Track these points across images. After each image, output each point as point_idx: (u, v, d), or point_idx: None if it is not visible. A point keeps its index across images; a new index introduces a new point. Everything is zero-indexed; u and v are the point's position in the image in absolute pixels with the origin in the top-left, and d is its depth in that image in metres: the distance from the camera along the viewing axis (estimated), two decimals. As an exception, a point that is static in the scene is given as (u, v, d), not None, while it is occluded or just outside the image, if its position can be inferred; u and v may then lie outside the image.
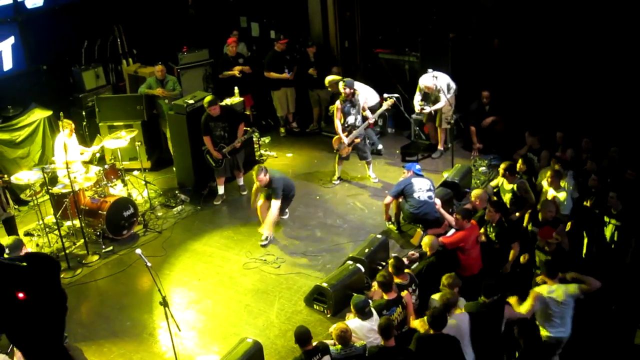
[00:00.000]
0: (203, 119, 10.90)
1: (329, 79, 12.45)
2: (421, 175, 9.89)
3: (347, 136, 11.30)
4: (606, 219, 8.70)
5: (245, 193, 11.48)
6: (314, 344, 6.83)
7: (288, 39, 13.53)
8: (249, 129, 11.57)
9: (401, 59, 13.55)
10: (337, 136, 11.42)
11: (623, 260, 8.53)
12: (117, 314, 8.79)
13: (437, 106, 11.88)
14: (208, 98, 10.86)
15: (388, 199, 9.91)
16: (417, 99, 12.03)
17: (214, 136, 10.93)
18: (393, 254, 9.41)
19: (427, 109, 11.82)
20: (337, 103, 11.30)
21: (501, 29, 13.11)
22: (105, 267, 9.83)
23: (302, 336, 6.79)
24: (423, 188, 9.54)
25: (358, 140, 11.32)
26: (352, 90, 11.18)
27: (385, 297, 7.54)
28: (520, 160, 10.25)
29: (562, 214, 9.14)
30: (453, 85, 11.92)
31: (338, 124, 11.31)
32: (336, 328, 6.97)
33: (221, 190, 11.41)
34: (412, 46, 13.36)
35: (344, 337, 6.90)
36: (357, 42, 14.56)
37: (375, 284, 7.94)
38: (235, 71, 13.07)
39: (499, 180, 10.12)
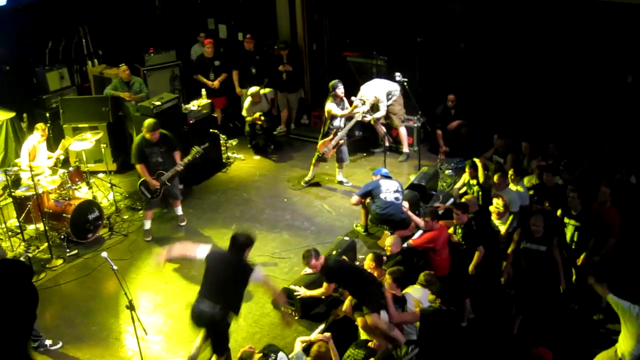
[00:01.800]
0: (137, 144, 9.92)
1: (252, 90, 12.49)
2: (389, 178, 9.94)
3: (331, 139, 11.25)
4: (566, 220, 8.84)
5: (184, 224, 10.69)
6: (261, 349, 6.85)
7: (254, 40, 13.50)
8: (195, 148, 10.30)
9: (369, 62, 13.60)
10: (324, 139, 11.30)
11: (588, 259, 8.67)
12: (83, 318, 8.68)
13: (377, 115, 11.88)
14: (148, 122, 9.87)
15: (355, 198, 9.94)
16: (363, 109, 11.70)
17: (149, 163, 10.00)
18: (360, 257, 9.48)
19: (368, 117, 11.74)
20: (330, 104, 11.18)
21: (468, 33, 13.25)
22: (70, 271, 9.69)
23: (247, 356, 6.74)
24: (390, 189, 9.59)
25: (342, 141, 11.31)
26: (341, 90, 11.21)
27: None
28: (492, 164, 10.47)
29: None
30: (394, 88, 12.00)
31: (342, 112, 11.21)
32: (313, 352, 6.83)
33: (148, 225, 10.37)
34: (379, 50, 13.43)
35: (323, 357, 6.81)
36: (325, 45, 14.59)
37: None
38: (211, 82, 12.97)
39: (465, 178, 10.28)
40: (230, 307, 7.09)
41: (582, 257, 8.63)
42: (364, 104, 11.46)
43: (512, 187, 9.57)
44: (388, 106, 11.99)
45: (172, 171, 10.08)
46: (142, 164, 9.93)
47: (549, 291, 8.31)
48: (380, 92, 11.80)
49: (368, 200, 9.80)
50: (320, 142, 11.36)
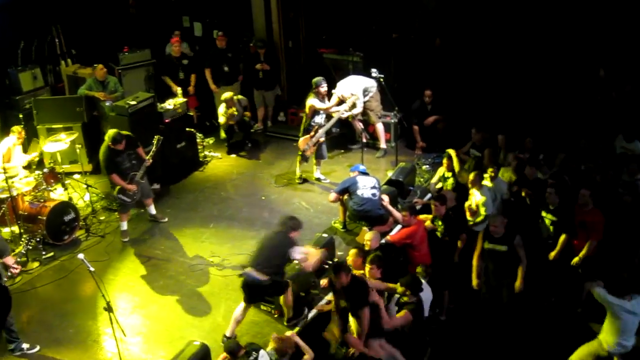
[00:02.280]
0: (106, 156, 9.76)
1: (225, 96, 12.47)
2: (367, 174, 9.95)
3: (312, 136, 11.20)
4: (543, 213, 8.91)
5: (165, 220, 10.69)
6: (243, 351, 6.86)
7: (227, 37, 13.44)
8: (156, 137, 10.17)
9: (345, 58, 13.61)
10: (305, 137, 11.23)
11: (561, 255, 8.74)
12: (60, 321, 8.58)
13: (354, 111, 11.88)
14: (111, 133, 9.69)
15: (332, 195, 9.94)
16: (339, 108, 11.76)
17: (122, 170, 9.86)
18: (339, 253, 9.49)
19: (345, 114, 11.76)
20: (312, 100, 11.12)
21: (443, 29, 13.30)
22: (47, 273, 9.57)
23: (231, 350, 6.82)
24: (368, 186, 9.60)
25: (323, 139, 11.29)
26: (324, 88, 11.18)
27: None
28: (470, 158, 10.53)
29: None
30: (371, 85, 11.99)
31: (328, 105, 11.21)
32: (282, 342, 7.06)
33: (125, 226, 10.28)
34: (355, 46, 13.44)
35: (286, 350, 6.98)
36: (301, 42, 14.58)
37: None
38: (178, 90, 12.80)
39: (441, 171, 10.34)
40: (275, 275, 7.80)
41: (554, 252, 8.71)
42: (343, 102, 11.48)
43: (489, 184, 9.61)
44: (365, 102, 12.00)
45: (143, 168, 10.00)
46: (114, 174, 9.81)
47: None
48: (356, 89, 11.81)
49: (346, 197, 9.80)
50: (301, 139, 11.31)
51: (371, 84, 11.97)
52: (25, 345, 7.97)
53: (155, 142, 10.12)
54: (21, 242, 9.44)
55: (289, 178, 11.84)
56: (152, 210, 10.65)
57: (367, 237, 8.56)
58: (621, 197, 9.02)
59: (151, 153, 10.06)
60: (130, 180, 9.92)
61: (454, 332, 8.65)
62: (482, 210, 9.23)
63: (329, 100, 11.52)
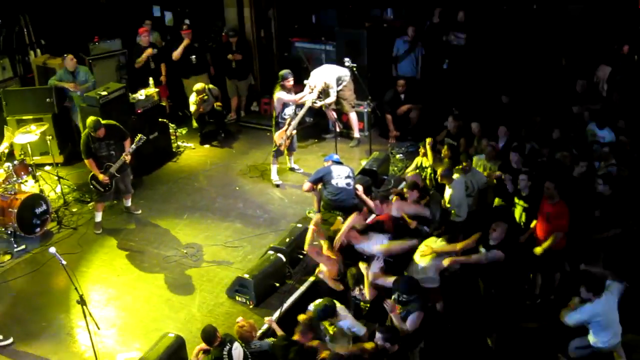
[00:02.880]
0: (84, 141, 9.76)
1: (197, 87, 12.44)
2: (341, 163, 9.96)
3: (286, 130, 11.08)
4: (516, 199, 9.00)
5: (138, 212, 10.64)
6: (219, 337, 6.83)
7: (191, 29, 13.36)
8: (138, 136, 10.07)
9: (318, 47, 13.59)
10: (279, 132, 11.04)
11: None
12: (32, 315, 8.51)
13: (327, 101, 11.86)
14: (91, 120, 9.67)
15: (306, 185, 9.91)
16: (313, 96, 11.68)
17: (98, 157, 9.85)
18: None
19: (318, 103, 11.74)
20: (279, 93, 10.96)
21: (415, 17, 13.33)
22: (18, 266, 9.48)
23: (208, 335, 6.77)
24: (342, 175, 9.60)
25: (295, 131, 11.25)
26: (291, 81, 11.04)
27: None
28: (445, 147, 10.54)
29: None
30: (344, 74, 11.95)
31: (294, 97, 11.08)
32: (249, 327, 7.08)
33: (99, 217, 10.21)
34: (328, 35, 13.42)
35: (244, 334, 7.01)
36: (273, 31, 14.52)
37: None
38: (148, 52, 12.80)
39: (418, 161, 10.36)
40: None
41: (524, 237, 8.78)
42: (311, 91, 11.45)
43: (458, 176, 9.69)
44: (338, 91, 11.98)
45: (119, 162, 9.91)
46: (89, 159, 9.78)
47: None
48: (330, 78, 11.79)
49: (320, 186, 9.80)
50: (276, 134, 11.12)
51: (345, 73, 11.96)
52: None
53: (136, 140, 10.00)
54: None
55: (263, 169, 11.79)
56: (128, 203, 10.59)
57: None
58: (597, 189, 9.02)
59: (130, 149, 9.95)
60: (104, 170, 9.84)
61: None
62: (447, 205, 9.27)
63: (298, 89, 11.46)
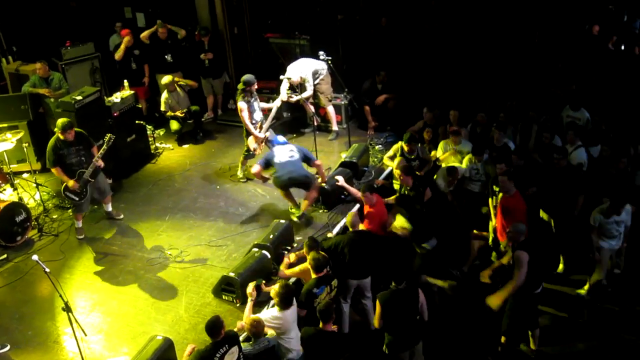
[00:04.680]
0: (51, 147, 9.50)
1: (164, 80, 12.45)
2: (285, 143, 10.07)
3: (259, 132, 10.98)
4: (495, 187, 9.08)
5: (121, 217, 10.44)
6: (223, 333, 6.81)
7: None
8: (108, 135, 9.79)
9: (292, 42, 13.59)
10: (251, 136, 10.86)
11: None
12: (17, 324, 8.43)
13: (304, 95, 11.86)
14: (62, 121, 9.46)
15: (256, 168, 9.96)
16: (284, 87, 11.87)
17: (66, 165, 9.61)
18: (297, 238, 9.52)
19: (295, 98, 11.76)
20: (242, 103, 10.73)
21: (388, 8, 13.36)
22: (1, 276, 9.37)
23: (212, 327, 6.74)
24: (284, 151, 9.74)
25: (269, 133, 11.16)
26: (256, 86, 10.88)
27: (314, 275, 7.64)
28: (426, 130, 10.62)
29: None
30: (321, 67, 11.97)
31: (250, 125, 10.77)
32: (248, 322, 7.03)
33: (80, 224, 10.09)
34: (301, 29, 13.41)
35: (257, 330, 6.96)
36: (246, 28, 14.49)
37: (303, 265, 8.02)
38: (125, 41, 12.77)
39: (397, 147, 10.41)
40: None
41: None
42: (293, 86, 11.54)
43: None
44: (315, 85, 11.99)
45: (92, 167, 9.71)
46: (57, 167, 9.57)
47: None
48: (306, 72, 11.79)
49: (270, 173, 9.91)
50: (250, 139, 10.93)
51: (321, 66, 11.96)
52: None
53: (106, 140, 9.79)
54: None
55: (245, 168, 11.75)
56: (109, 207, 10.47)
57: (348, 219, 8.53)
58: (556, 162, 9.17)
59: (101, 151, 9.72)
60: (77, 177, 9.67)
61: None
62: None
63: (267, 85, 11.44)
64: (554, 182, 9.10)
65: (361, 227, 8.58)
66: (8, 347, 7.91)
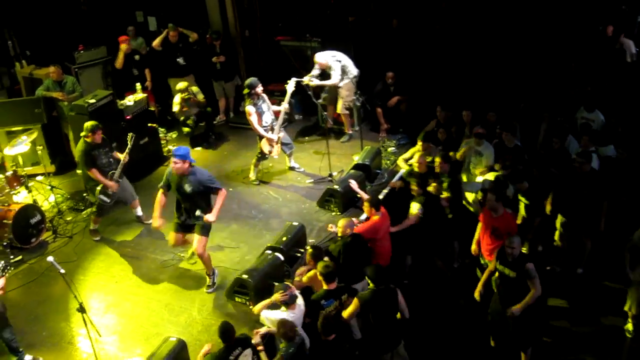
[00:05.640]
0: (83, 150, 9.60)
1: (179, 86, 12.46)
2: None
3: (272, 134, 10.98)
4: (519, 197, 9.02)
5: (149, 222, 9.93)
6: (236, 336, 6.82)
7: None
8: (130, 134, 10.01)
9: (303, 45, 13.59)
10: (263, 139, 10.88)
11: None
12: (32, 325, 8.49)
13: (327, 82, 11.91)
14: (89, 124, 9.59)
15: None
16: (312, 73, 11.97)
17: (98, 167, 9.72)
18: (310, 240, 9.52)
19: (315, 82, 11.80)
20: (249, 107, 10.73)
21: (399, 9, 13.35)
22: (16, 277, 9.43)
23: (224, 333, 6.78)
24: None
25: (282, 134, 11.16)
26: (261, 89, 10.82)
27: (325, 287, 7.52)
28: (439, 130, 10.58)
29: None
30: (352, 71, 11.98)
31: (260, 129, 10.77)
32: (280, 330, 6.95)
33: (96, 225, 10.22)
34: (312, 32, 13.43)
35: (285, 330, 6.91)
36: (257, 31, 14.52)
37: (311, 272, 7.90)
38: (122, 48, 12.80)
39: (414, 150, 10.34)
40: None
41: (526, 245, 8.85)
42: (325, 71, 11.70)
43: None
44: (337, 87, 12.01)
45: (121, 166, 9.86)
46: (93, 169, 9.66)
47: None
48: (333, 61, 11.79)
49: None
50: (262, 141, 10.97)
51: (352, 71, 11.95)
52: (28, 357, 7.84)
53: (129, 139, 9.94)
54: None
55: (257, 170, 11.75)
56: (139, 211, 10.47)
57: (341, 223, 8.41)
58: (578, 167, 9.01)
59: (127, 150, 9.87)
60: (109, 178, 9.79)
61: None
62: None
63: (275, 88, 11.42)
64: (575, 188, 8.82)
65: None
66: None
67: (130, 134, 10.00)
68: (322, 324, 6.97)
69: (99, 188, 9.80)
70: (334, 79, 11.85)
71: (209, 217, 8.49)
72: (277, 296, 7.38)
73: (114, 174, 9.83)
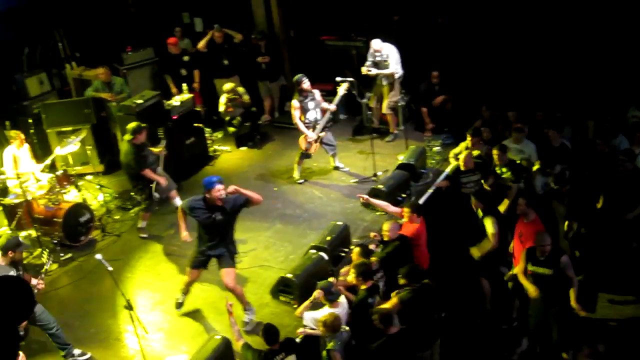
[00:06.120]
0: (132, 152, 9.69)
1: (227, 87, 12.53)
2: None
3: (311, 132, 11.03)
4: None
5: None
6: (281, 340, 6.82)
7: (222, 31, 13.46)
8: (160, 129, 10.29)
9: (348, 44, 13.57)
10: (302, 136, 11.02)
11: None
12: (81, 321, 8.65)
13: (385, 71, 11.93)
14: (132, 125, 9.76)
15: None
16: (367, 63, 12.06)
17: (149, 165, 9.90)
18: (354, 240, 9.49)
19: (373, 71, 11.86)
20: (294, 102, 10.90)
21: (444, 7, 13.23)
22: (66, 274, 9.65)
23: (269, 335, 6.77)
24: None
25: (324, 134, 11.20)
26: (307, 84, 10.91)
27: (363, 286, 7.46)
28: (486, 129, 10.50)
29: None
30: (400, 70, 11.97)
31: (300, 123, 10.92)
32: (323, 320, 6.90)
33: (145, 223, 10.38)
34: (357, 31, 13.39)
35: (334, 325, 6.87)
36: (302, 31, 14.54)
37: (351, 274, 7.71)
38: (175, 88, 12.99)
39: (463, 146, 10.26)
40: None
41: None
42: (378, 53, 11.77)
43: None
44: (382, 86, 12.01)
45: (161, 159, 10.07)
46: (146, 170, 9.80)
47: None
48: (392, 54, 11.84)
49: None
50: (300, 138, 11.10)
51: (400, 71, 11.97)
52: (76, 351, 7.96)
53: (161, 133, 10.19)
54: (42, 257, 9.64)
55: (301, 169, 11.78)
56: (177, 201, 10.51)
57: (386, 227, 8.32)
58: (621, 165, 8.73)
59: (164, 144, 10.08)
60: (157, 174, 9.99)
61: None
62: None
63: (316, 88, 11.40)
64: (619, 187, 8.64)
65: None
66: (89, 355, 8.04)
67: (160, 129, 10.21)
68: (382, 318, 6.89)
69: (153, 185, 9.94)
70: (392, 67, 11.90)
71: (231, 187, 7.85)
72: (315, 294, 7.38)
73: (159, 170, 10.02)
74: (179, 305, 8.55)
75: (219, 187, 7.78)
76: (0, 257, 7.51)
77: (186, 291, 8.49)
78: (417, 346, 7.23)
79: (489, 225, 8.20)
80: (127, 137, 9.76)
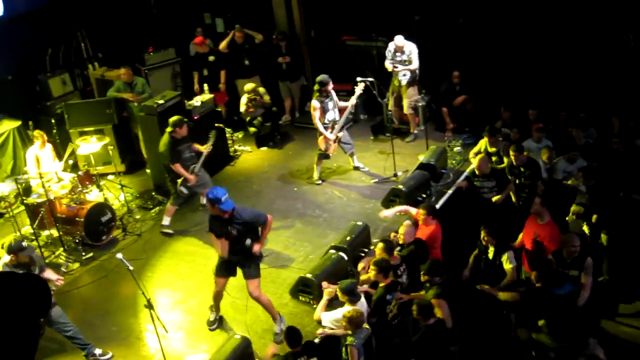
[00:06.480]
0: (168, 145, 9.77)
1: (248, 87, 12.56)
2: None
3: (330, 133, 11.04)
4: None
5: None
6: (303, 342, 6.83)
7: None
8: (212, 132, 10.41)
9: (368, 45, 13.55)
10: (321, 136, 11.02)
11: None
12: (102, 320, 8.73)
13: (410, 67, 11.92)
14: (174, 119, 9.84)
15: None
16: (388, 59, 12.09)
17: (182, 160, 9.94)
18: (374, 240, 9.45)
19: (399, 68, 11.88)
20: (315, 102, 10.90)
21: (465, 7, 13.17)
22: (87, 273, 9.74)
23: (292, 337, 6.78)
24: None
25: (342, 134, 11.20)
26: (331, 86, 10.91)
27: (382, 283, 7.45)
28: (514, 130, 10.57)
29: None
30: (418, 68, 11.98)
31: (320, 124, 10.92)
32: (347, 316, 6.87)
33: (168, 220, 10.40)
34: (378, 31, 13.37)
35: (358, 320, 6.84)
36: (323, 31, 14.54)
37: (371, 271, 7.66)
38: (204, 86, 12.91)
39: (482, 144, 10.24)
40: None
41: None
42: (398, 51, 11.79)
43: None
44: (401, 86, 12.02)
45: (203, 158, 10.12)
46: (177, 164, 9.87)
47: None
48: (414, 50, 11.88)
49: None
50: (320, 138, 11.10)
51: (417, 66, 12.00)
52: (97, 351, 8.03)
53: (212, 135, 10.27)
54: (61, 257, 9.81)
55: (320, 169, 11.77)
56: (204, 200, 10.38)
57: (401, 230, 8.31)
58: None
59: (210, 144, 10.16)
60: (191, 172, 10.02)
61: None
62: None
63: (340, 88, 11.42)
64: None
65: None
66: (110, 355, 8.08)
67: (213, 131, 10.34)
68: (421, 309, 6.88)
69: (180, 180, 10.01)
70: (415, 63, 11.90)
71: (256, 248, 7.84)
72: (326, 294, 7.48)
73: (195, 167, 10.05)
74: (212, 323, 8.35)
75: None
76: (8, 258, 7.67)
77: (217, 307, 8.32)
78: (448, 339, 7.23)
79: (507, 262, 7.89)
80: (168, 129, 9.86)
